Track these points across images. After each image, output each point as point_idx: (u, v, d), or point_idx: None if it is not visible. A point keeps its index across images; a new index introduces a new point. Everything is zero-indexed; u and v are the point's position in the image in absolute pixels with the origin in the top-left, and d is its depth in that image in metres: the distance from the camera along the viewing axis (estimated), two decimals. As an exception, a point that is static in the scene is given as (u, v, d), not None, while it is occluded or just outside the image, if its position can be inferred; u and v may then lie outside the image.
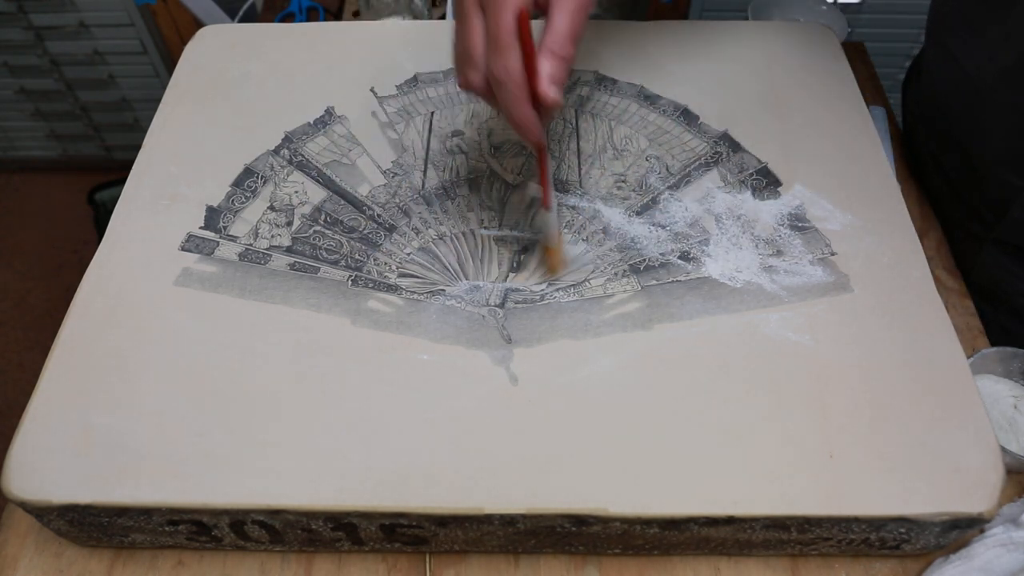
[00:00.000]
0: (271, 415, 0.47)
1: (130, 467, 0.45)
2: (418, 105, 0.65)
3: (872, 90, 0.78)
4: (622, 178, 0.60)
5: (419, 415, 0.47)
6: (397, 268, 0.54)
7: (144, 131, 0.63)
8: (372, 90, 0.66)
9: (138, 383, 0.49)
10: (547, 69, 0.44)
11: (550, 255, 0.54)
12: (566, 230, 0.56)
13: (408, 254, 0.55)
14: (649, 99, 0.65)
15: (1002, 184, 0.61)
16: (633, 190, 0.59)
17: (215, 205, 0.58)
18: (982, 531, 0.48)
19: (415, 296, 0.53)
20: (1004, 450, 0.49)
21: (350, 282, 0.54)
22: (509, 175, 0.60)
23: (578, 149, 0.62)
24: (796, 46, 0.69)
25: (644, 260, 0.55)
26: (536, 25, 0.45)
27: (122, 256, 0.55)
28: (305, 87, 0.66)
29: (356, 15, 0.96)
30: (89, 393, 0.48)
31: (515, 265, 0.55)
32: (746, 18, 0.86)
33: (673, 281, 0.53)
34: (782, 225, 0.56)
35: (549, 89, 0.44)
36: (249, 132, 0.62)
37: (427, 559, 0.49)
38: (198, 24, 0.88)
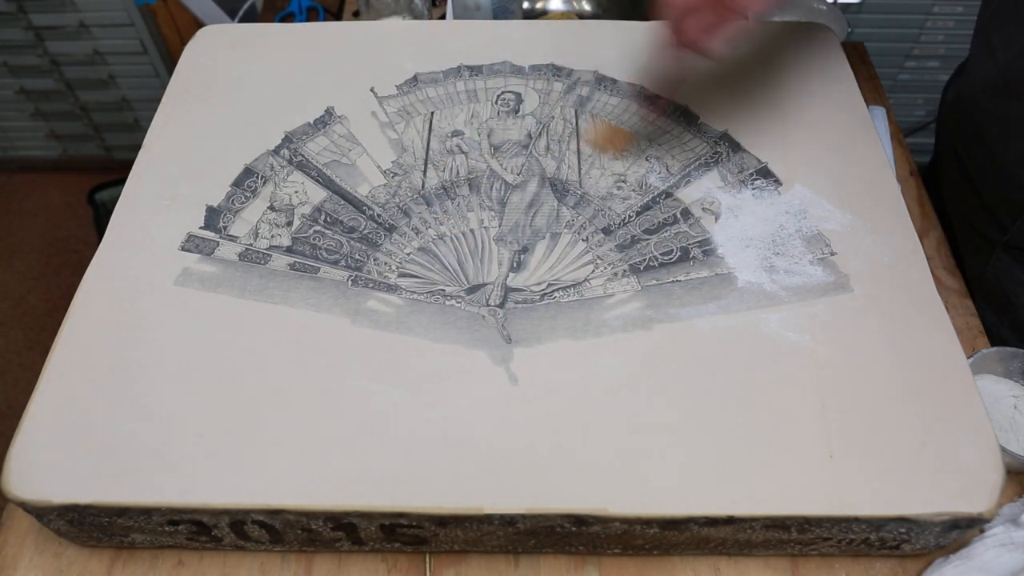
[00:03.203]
0: (271, 415, 0.47)
1: (130, 467, 0.45)
2: (418, 105, 0.65)
3: (872, 90, 0.78)
4: (622, 178, 0.60)
5: (419, 415, 0.47)
6: (397, 268, 0.54)
7: (144, 131, 0.63)
8: (372, 90, 0.66)
9: (138, 383, 0.49)
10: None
11: (610, 132, 0.60)
12: (566, 229, 0.56)
13: (408, 254, 0.55)
14: (649, 99, 0.65)
15: (1020, 186, 0.61)
16: (633, 190, 0.59)
17: (215, 205, 0.58)
18: (982, 531, 0.48)
19: (415, 296, 0.53)
20: (1004, 450, 0.49)
21: (350, 282, 0.54)
22: (509, 175, 0.60)
23: (578, 149, 0.62)
24: (796, 46, 0.69)
25: (644, 260, 0.55)
26: None
27: (122, 256, 0.55)
28: (305, 87, 0.66)
29: (356, 15, 0.96)
30: (89, 393, 0.48)
31: (515, 265, 0.55)
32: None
33: (673, 281, 0.53)
34: (782, 225, 0.56)
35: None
36: (249, 132, 0.62)
37: (427, 559, 0.49)
38: (198, 24, 0.88)
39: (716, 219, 0.57)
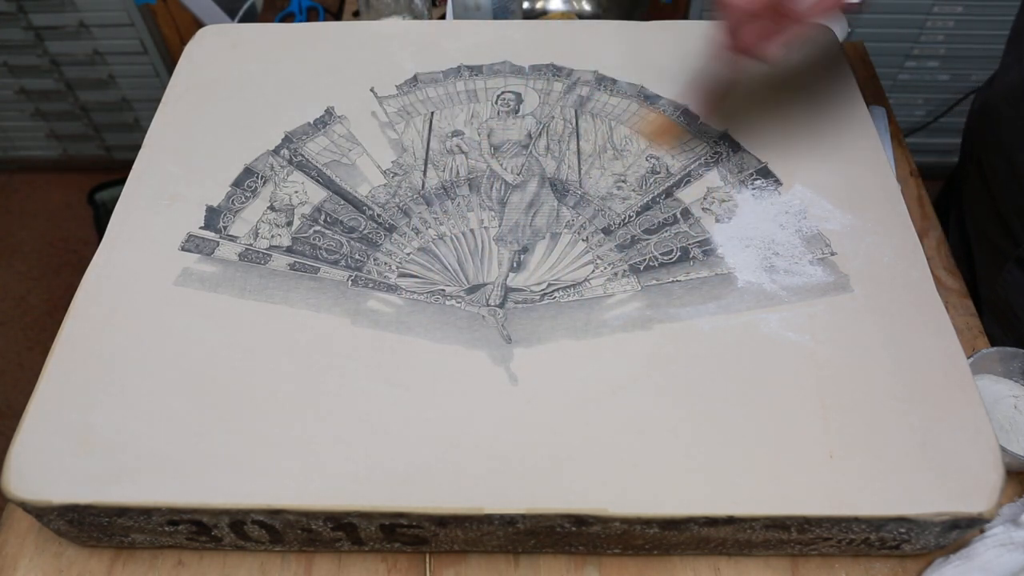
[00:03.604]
0: (271, 415, 0.47)
1: (130, 467, 0.45)
2: (418, 105, 0.65)
3: (872, 90, 0.78)
4: (622, 178, 0.60)
5: (419, 415, 0.47)
6: (397, 268, 0.54)
7: (144, 131, 0.63)
8: (372, 90, 0.66)
9: (138, 383, 0.49)
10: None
11: (659, 124, 0.61)
12: (566, 229, 0.57)
13: (408, 254, 0.55)
14: (649, 99, 0.65)
15: None
16: (633, 190, 0.59)
17: (215, 205, 0.58)
18: (982, 531, 0.48)
19: (415, 296, 0.53)
20: (1004, 450, 0.49)
21: (350, 282, 0.54)
22: (509, 175, 0.60)
23: (578, 149, 0.62)
24: (796, 46, 0.69)
25: (644, 260, 0.55)
26: None
27: (122, 256, 0.55)
28: (305, 87, 0.66)
29: (356, 15, 0.96)
30: (89, 393, 0.48)
31: (515, 265, 0.55)
32: (746, 18, 0.86)
33: (673, 281, 0.53)
34: (782, 225, 0.56)
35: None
36: (249, 132, 0.62)
37: (427, 559, 0.49)
38: (198, 24, 0.88)
39: (716, 219, 0.57)
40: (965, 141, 0.76)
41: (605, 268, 0.54)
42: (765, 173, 0.59)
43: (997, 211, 0.66)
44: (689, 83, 0.60)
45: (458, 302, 0.52)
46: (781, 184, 0.59)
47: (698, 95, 0.58)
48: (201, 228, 0.56)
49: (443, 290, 0.53)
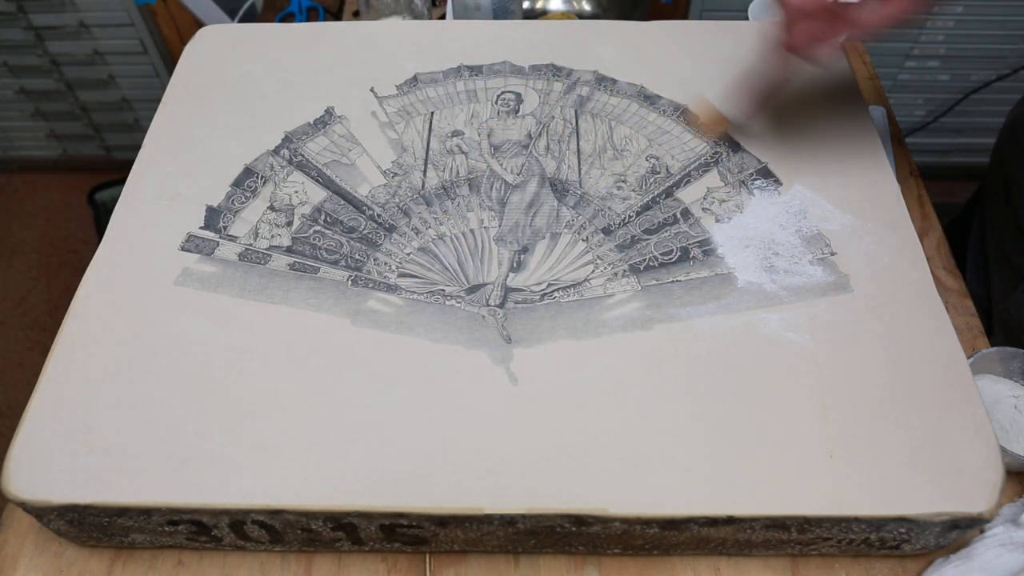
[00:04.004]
0: (271, 415, 0.47)
1: (130, 467, 0.45)
2: (418, 105, 0.65)
3: (872, 90, 0.78)
4: (622, 178, 0.60)
5: (419, 415, 0.47)
6: (397, 268, 0.54)
7: (144, 131, 0.63)
8: (372, 90, 0.66)
9: (138, 383, 0.49)
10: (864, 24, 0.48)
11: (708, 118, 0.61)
12: (566, 229, 0.57)
13: (408, 254, 0.55)
14: (649, 99, 0.65)
15: None
16: (633, 190, 0.59)
17: (215, 205, 0.58)
18: (982, 531, 0.48)
19: (415, 296, 0.53)
20: (1004, 450, 0.49)
21: (350, 282, 0.54)
22: (509, 175, 0.60)
23: (578, 149, 0.62)
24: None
25: (644, 260, 0.55)
26: None
27: (122, 256, 0.55)
28: (305, 87, 0.66)
29: (356, 15, 0.96)
30: (89, 393, 0.48)
31: (515, 265, 0.55)
32: (746, 18, 0.86)
33: (673, 281, 0.53)
34: (782, 225, 0.56)
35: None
36: (249, 132, 0.62)
37: (427, 559, 0.49)
38: (198, 24, 0.88)
39: (716, 219, 0.57)
40: (993, 157, 0.76)
41: (605, 268, 0.54)
42: (765, 173, 0.59)
43: (1019, 227, 0.66)
44: (737, 80, 0.59)
45: (458, 302, 0.52)
46: (781, 184, 0.59)
47: (747, 93, 0.58)
48: (201, 228, 0.56)
49: (443, 290, 0.53)
